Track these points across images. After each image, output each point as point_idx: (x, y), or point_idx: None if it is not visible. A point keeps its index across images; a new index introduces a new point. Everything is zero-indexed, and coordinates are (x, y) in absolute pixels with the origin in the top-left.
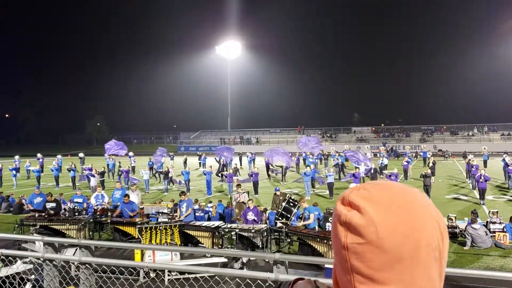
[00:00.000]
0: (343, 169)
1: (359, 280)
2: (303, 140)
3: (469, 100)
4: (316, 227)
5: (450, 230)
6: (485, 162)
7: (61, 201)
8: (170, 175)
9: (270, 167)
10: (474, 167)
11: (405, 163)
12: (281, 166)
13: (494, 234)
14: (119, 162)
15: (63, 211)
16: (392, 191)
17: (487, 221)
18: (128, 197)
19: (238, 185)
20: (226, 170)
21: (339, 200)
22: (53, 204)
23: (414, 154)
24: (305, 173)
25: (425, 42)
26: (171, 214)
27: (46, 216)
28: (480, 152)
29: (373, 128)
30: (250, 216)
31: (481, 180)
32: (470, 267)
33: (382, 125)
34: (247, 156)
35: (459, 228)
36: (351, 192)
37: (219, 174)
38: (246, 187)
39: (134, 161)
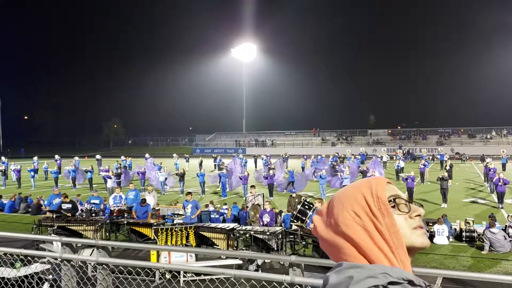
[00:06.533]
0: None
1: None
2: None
3: (487, 102)
4: None
5: (467, 234)
6: (503, 165)
7: (78, 202)
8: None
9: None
10: (492, 170)
11: (422, 166)
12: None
13: None
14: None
15: (80, 211)
16: (333, 198)
17: (506, 225)
18: (145, 201)
19: (252, 186)
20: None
21: None
22: (69, 205)
23: (431, 157)
24: (320, 176)
25: (442, 43)
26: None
27: (63, 217)
28: (499, 155)
29: (389, 131)
30: (266, 218)
31: (500, 183)
32: (488, 271)
33: (399, 127)
34: (262, 159)
35: (477, 232)
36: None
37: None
38: (261, 189)
39: (151, 163)
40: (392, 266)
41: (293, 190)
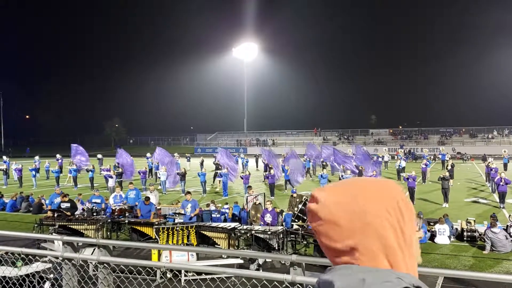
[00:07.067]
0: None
1: (332, 255)
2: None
3: (489, 102)
4: None
5: (469, 233)
6: (505, 165)
7: (80, 201)
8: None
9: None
10: (494, 170)
11: (424, 166)
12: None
13: None
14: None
15: (81, 211)
16: (343, 181)
17: (507, 225)
18: (149, 199)
19: (249, 187)
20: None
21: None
22: (68, 204)
23: (432, 157)
24: (321, 176)
25: (444, 43)
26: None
27: (63, 216)
28: (500, 155)
29: (391, 130)
30: (268, 218)
31: (501, 183)
32: (489, 271)
33: (400, 127)
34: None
35: (478, 231)
36: (314, 190)
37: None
38: (261, 189)
39: (152, 162)
40: (402, 272)
41: (294, 190)
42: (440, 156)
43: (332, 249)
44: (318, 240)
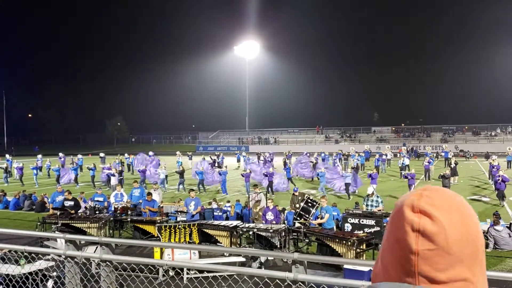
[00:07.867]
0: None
1: (424, 281)
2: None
3: (492, 100)
4: (334, 228)
5: None
6: (508, 163)
7: (82, 199)
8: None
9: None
10: (495, 167)
11: (427, 164)
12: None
13: None
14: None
15: (83, 209)
16: (450, 197)
17: (510, 223)
18: (151, 195)
19: (255, 185)
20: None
21: (408, 206)
22: (71, 203)
23: (435, 154)
24: (318, 174)
25: (447, 40)
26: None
27: (66, 214)
28: (504, 153)
29: (393, 128)
30: (269, 216)
31: (498, 180)
32: (492, 269)
33: (403, 124)
34: (266, 157)
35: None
36: (419, 199)
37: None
38: (262, 187)
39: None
40: None
41: (296, 188)
42: (443, 154)
43: (430, 278)
44: (410, 263)
